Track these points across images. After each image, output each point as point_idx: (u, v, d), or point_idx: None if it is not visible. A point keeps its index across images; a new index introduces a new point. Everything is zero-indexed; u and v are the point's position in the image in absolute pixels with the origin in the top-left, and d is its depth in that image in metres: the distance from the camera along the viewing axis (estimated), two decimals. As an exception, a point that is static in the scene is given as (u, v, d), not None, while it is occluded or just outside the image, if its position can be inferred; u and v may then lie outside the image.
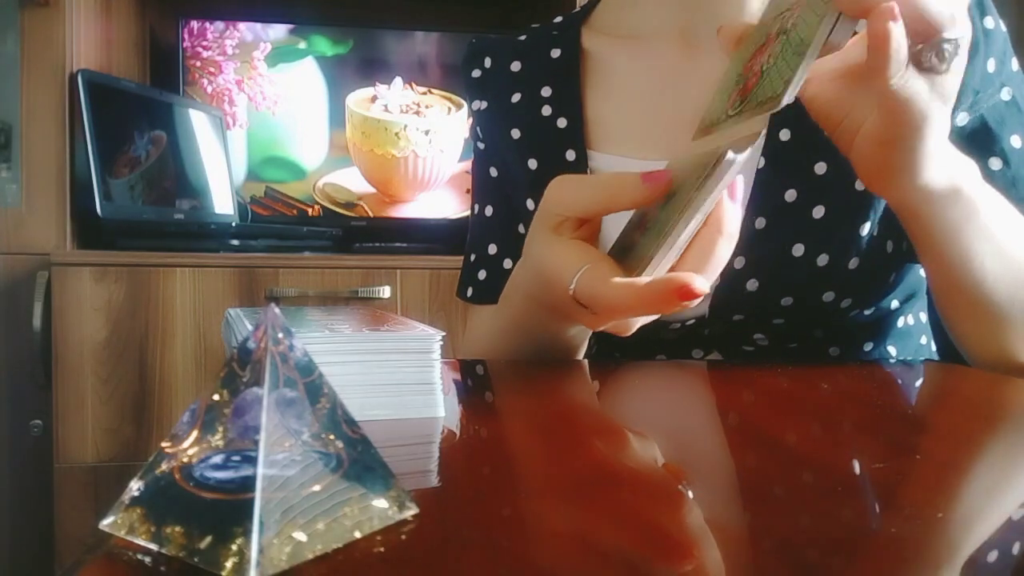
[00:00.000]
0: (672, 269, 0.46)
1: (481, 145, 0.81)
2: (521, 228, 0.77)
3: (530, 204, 0.75)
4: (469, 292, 0.80)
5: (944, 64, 0.45)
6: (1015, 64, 0.67)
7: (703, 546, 0.27)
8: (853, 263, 0.65)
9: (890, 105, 0.46)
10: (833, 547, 0.27)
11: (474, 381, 0.58)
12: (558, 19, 0.81)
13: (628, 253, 0.48)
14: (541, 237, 0.51)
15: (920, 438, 0.43)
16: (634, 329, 0.51)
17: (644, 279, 0.44)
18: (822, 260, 0.65)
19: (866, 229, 0.65)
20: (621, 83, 0.74)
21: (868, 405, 0.50)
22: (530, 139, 0.75)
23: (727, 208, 0.45)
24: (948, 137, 0.65)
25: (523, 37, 0.80)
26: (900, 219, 0.58)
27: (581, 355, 0.65)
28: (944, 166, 0.51)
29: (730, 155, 0.42)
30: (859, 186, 0.65)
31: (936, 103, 0.47)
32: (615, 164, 0.72)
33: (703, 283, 0.42)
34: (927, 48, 0.45)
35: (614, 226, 0.52)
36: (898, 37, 0.43)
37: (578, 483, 0.33)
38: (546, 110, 0.75)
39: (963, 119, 0.65)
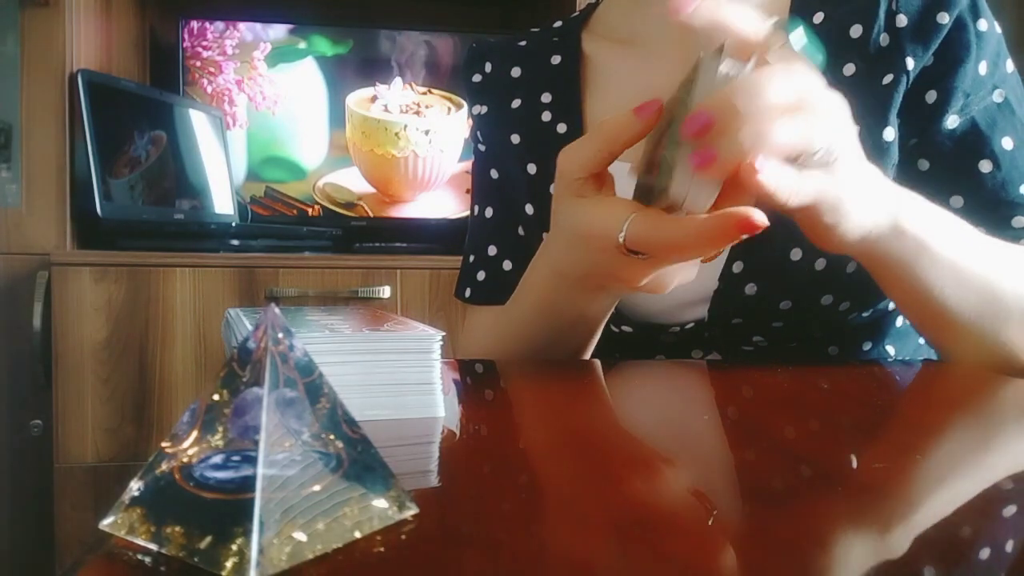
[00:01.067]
0: (717, 206, 0.46)
1: (482, 147, 0.81)
2: (521, 231, 0.77)
3: (529, 209, 0.75)
4: (468, 293, 0.80)
5: (826, 161, 0.46)
6: (1009, 65, 0.67)
7: (704, 540, 0.27)
8: (851, 267, 0.65)
9: (802, 209, 0.47)
10: (832, 547, 0.27)
11: (474, 381, 0.58)
12: (558, 24, 0.81)
13: (647, 194, 0.48)
14: (569, 204, 0.51)
15: (920, 438, 0.43)
16: (671, 287, 0.51)
17: (700, 217, 0.44)
18: (820, 264, 0.65)
19: None
20: (620, 88, 0.74)
21: (868, 405, 0.50)
22: (530, 144, 0.75)
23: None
24: (934, 140, 0.66)
25: (523, 42, 0.81)
26: (860, 263, 0.59)
27: (593, 345, 0.65)
28: (879, 211, 0.52)
29: (704, 56, 0.43)
30: None
31: (843, 178, 0.47)
32: (614, 168, 0.72)
33: (762, 216, 0.42)
34: (805, 159, 0.45)
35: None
36: (771, 183, 0.43)
37: (577, 483, 0.33)
38: (546, 116, 0.75)
39: (953, 122, 0.65)
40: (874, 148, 0.64)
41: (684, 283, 0.51)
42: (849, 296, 0.66)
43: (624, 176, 0.52)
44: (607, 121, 0.49)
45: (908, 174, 0.66)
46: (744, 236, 0.43)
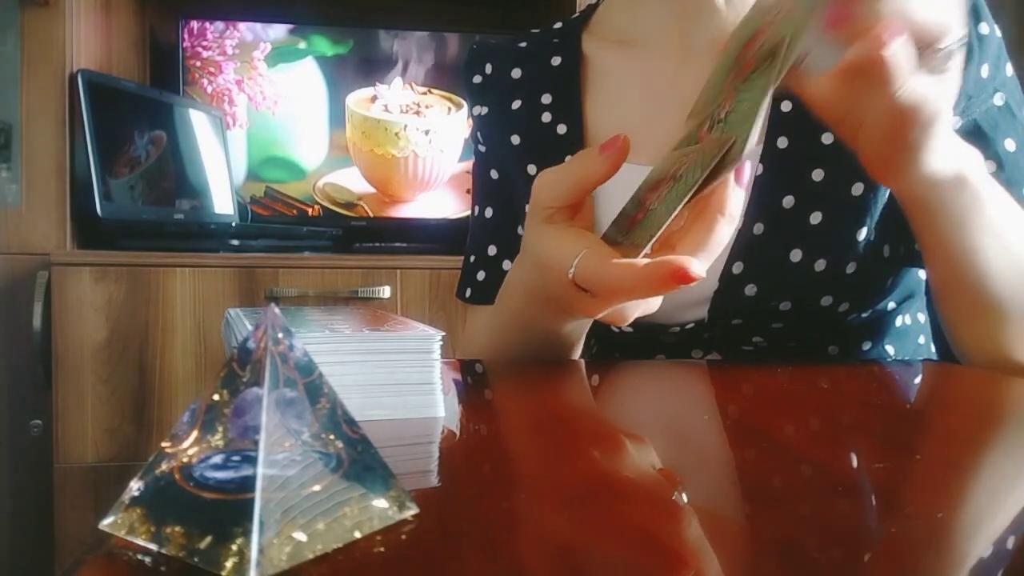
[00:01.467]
0: (672, 248, 0.46)
1: (482, 148, 0.81)
2: (520, 230, 0.78)
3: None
4: (468, 293, 0.80)
5: (943, 65, 0.45)
6: (1009, 69, 0.67)
7: (701, 544, 0.27)
8: (851, 268, 0.65)
9: (899, 110, 0.46)
10: (833, 547, 0.27)
11: (474, 381, 0.58)
12: (558, 25, 0.81)
13: (628, 233, 0.48)
14: (536, 230, 0.52)
15: (920, 438, 0.43)
16: (631, 319, 0.51)
17: (642, 260, 0.44)
18: (820, 265, 0.65)
19: (863, 234, 0.65)
20: (620, 89, 0.74)
21: (868, 405, 0.50)
22: (530, 145, 0.75)
23: (731, 190, 0.45)
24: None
25: (523, 44, 0.81)
26: (906, 211, 0.57)
27: (577, 354, 0.65)
28: (949, 154, 0.51)
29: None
30: (856, 191, 0.65)
31: (942, 99, 0.46)
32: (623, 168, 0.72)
33: (700, 267, 0.42)
34: (924, 56, 0.44)
35: (608, 213, 0.53)
36: (894, 60, 0.41)
37: (578, 483, 0.33)
38: (546, 117, 0.75)
39: (955, 123, 0.65)
40: None
41: (646, 313, 0.51)
42: (849, 297, 0.66)
43: (630, 175, 0.52)
44: (578, 157, 0.50)
45: None
46: (680, 285, 0.42)
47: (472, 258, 0.81)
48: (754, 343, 0.70)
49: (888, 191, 0.65)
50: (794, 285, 0.66)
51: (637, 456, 0.38)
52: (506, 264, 0.78)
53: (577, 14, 0.82)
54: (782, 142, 0.66)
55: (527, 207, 0.75)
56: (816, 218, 0.65)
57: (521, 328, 0.62)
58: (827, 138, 0.65)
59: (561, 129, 0.74)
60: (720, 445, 0.41)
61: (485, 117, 0.80)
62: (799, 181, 0.66)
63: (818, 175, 0.65)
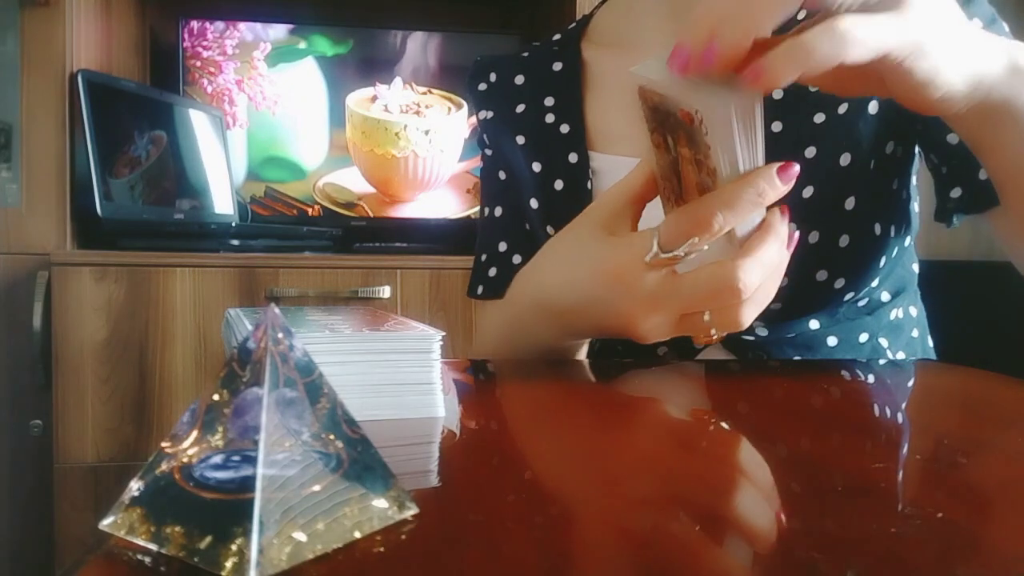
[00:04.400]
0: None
1: (488, 152, 0.85)
2: (528, 226, 0.81)
3: (534, 203, 0.78)
4: (480, 290, 0.83)
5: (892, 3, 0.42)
6: (1005, 27, 0.67)
7: (701, 544, 0.27)
8: (843, 241, 0.68)
9: (882, 63, 0.43)
10: (833, 547, 0.27)
11: (475, 381, 0.58)
12: (557, 36, 0.85)
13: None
14: (591, 242, 0.52)
15: (920, 438, 0.43)
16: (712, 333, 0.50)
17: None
18: (813, 237, 0.68)
19: (851, 203, 0.68)
20: (618, 89, 0.77)
21: (867, 405, 0.50)
22: (534, 144, 0.78)
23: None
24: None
25: (526, 54, 0.85)
26: (973, 141, 0.55)
27: (582, 355, 0.66)
28: (987, 49, 0.47)
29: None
30: (843, 162, 0.67)
31: (920, 16, 0.43)
32: (614, 163, 0.75)
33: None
34: (866, 3, 0.42)
35: None
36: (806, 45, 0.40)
37: (579, 482, 0.33)
38: (549, 118, 0.78)
39: None
40: (860, 114, 0.68)
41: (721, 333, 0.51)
42: (843, 273, 0.68)
43: (626, 170, 0.53)
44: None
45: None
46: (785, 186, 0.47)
47: (484, 257, 0.83)
48: (754, 330, 0.71)
49: (872, 161, 0.68)
50: (790, 259, 0.67)
51: (637, 456, 0.38)
52: (516, 258, 0.81)
53: (574, 24, 0.86)
54: (776, 126, 0.69)
55: (531, 203, 0.77)
56: (808, 192, 0.68)
57: (521, 334, 0.62)
58: (819, 117, 0.68)
59: (564, 129, 0.77)
60: (719, 444, 0.41)
61: (490, 121, 0.83)
62: (793, 160, 0.67)
63: (810, 152, 0.68)
